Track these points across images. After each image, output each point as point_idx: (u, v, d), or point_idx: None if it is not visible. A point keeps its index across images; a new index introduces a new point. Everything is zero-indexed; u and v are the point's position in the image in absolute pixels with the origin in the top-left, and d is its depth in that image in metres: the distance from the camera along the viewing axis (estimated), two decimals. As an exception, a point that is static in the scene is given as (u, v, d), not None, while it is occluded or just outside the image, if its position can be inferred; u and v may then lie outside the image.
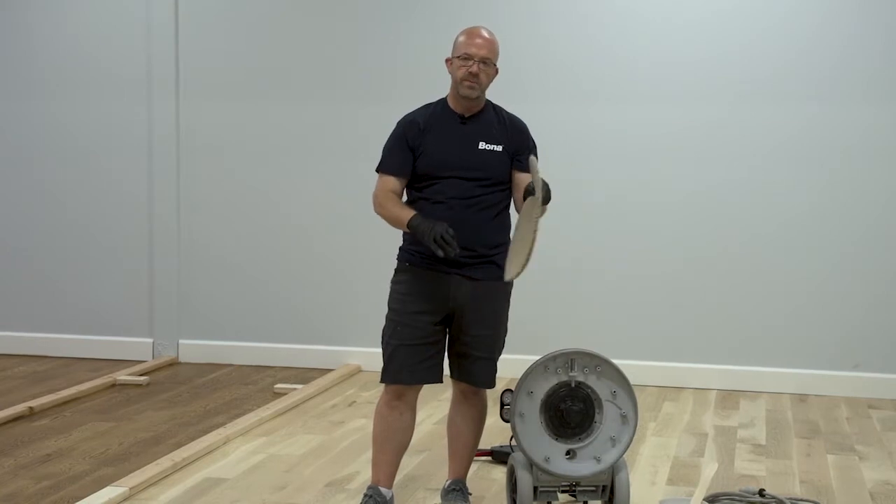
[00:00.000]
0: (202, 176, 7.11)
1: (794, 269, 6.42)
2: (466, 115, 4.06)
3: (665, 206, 6.53)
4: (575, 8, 6.57)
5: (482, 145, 4.02)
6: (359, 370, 6.83)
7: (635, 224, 6.57)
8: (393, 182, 4.04)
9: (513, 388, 3.97)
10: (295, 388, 6.29)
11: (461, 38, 4.02)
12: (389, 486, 4.13)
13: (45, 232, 7.33)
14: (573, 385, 3.92)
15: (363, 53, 6.83)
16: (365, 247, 6.75)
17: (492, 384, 4.13)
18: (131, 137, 7.15)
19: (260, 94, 7.02)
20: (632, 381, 3.97)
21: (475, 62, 3.95)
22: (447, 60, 4.05)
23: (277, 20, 6.99)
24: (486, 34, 4.02)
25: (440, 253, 3.79)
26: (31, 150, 7.30)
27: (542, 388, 3.91)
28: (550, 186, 3.84)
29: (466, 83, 3.96)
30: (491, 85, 4.04)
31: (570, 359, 3.92)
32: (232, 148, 7.07)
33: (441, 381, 4.09)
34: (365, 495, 4.09)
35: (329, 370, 6.80)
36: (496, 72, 4.05)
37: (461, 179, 3.99)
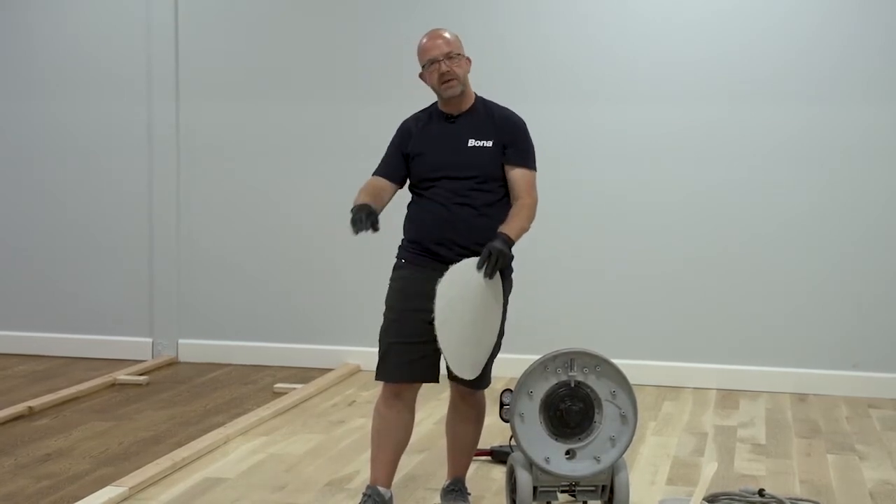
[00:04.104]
0: (202, 176, 7.11)
1: (794, 269, 6.42)
2: (455, 115, 4.07)
3: (665, 206, 6.53)
4: (575, 8, 6.57)
5: (471, 143, 4.02)
6: (358, 370, 6.82)
7: (635, 224, 6.57)
8: (379, 179, 4.12)
9: (512, 388, 3.97)
10: (295, 388, 6.29)
11: (420, 49, 4.04)
12: (388, 486, 4.11)
13: (45, 232, 7.33)
14: (573, 385, 3.92)
15: (363, 53, 6.83)
16: (365, 246, 6.70)
17: (484, 385, 4.12)
18: (131, 137, 7.16)
19: (260, 94, 7.02)
20: (631, 380, 3.97)
21: (441, 61, 3.97)
22: (420, 76, 4.07)
23: (277, 20, 6.99)
24: (439, 33, 4.03)
25: (353, 230, 3.85)
26: (31, 150, 7.30)
27: (542, 387, 3.91)
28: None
29: (444, 84, 3.99)
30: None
31: (569, 358, 3.92)
32: (232, 148, 7.07)
33: (437, 381, 4.07)
34: (364, 495, 4.08)
35: (329, 370, 6.80)
36: (468, 62, 4.05)
37: (453, 179, 4.00)
